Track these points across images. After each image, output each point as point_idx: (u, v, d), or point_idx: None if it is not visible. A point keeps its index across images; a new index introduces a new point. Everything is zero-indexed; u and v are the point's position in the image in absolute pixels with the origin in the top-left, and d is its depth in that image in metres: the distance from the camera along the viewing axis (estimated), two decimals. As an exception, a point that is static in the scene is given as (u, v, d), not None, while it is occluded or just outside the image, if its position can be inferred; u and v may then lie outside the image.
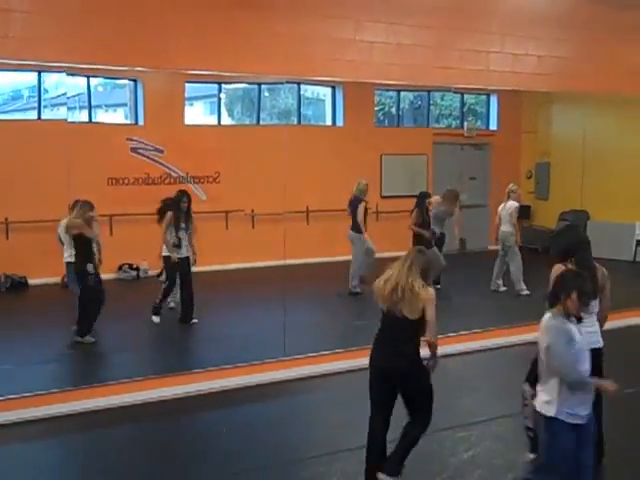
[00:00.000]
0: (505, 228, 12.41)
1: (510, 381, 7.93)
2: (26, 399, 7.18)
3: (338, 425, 6.91)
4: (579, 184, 15.11)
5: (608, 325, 10.20)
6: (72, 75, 12.56)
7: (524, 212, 17.90)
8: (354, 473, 5.72)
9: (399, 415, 5.48)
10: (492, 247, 12.77)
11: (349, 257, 12.98)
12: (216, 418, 7.27)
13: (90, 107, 14.03)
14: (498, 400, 7.49)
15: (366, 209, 12.50)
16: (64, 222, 9.37)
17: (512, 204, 12.52)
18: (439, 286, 12.46)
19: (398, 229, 14.52)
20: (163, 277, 10.44)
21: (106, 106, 15.59)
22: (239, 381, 7.95)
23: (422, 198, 12.41)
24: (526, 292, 11.93)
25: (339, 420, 7.01)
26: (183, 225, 10.27)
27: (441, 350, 8.58)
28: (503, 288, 12.46)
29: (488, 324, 10.04)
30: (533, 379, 5.62)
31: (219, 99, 15.67)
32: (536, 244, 17.21)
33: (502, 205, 12.67)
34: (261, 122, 15.90)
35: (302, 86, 16.08)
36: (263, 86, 15.65)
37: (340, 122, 16.43)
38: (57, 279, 11.62)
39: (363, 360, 8.56)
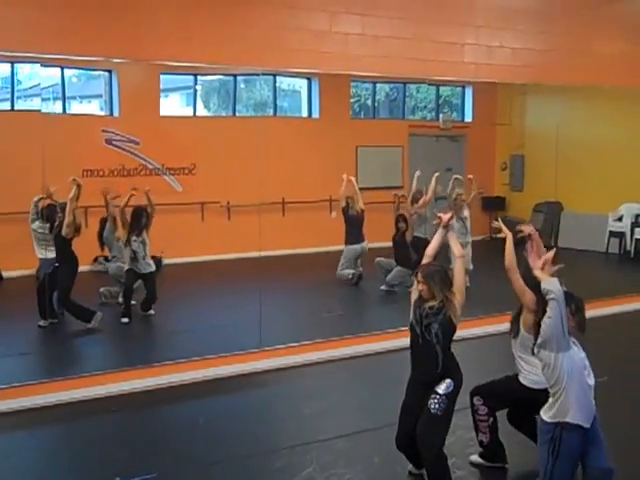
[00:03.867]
0: None
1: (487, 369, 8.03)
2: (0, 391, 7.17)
3: (312, 416, 6.94)
4: (553, 176, 15.22)
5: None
6: (46, 66, 12.49)
7: (499, 203, 18.05)
8: (328, 463, 5.76)
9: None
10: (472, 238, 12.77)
11: (325, 248, 13.06)
12: (191, 409, 7.28)
13: (64, 98, 13.93)
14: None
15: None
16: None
17: None
18: None
19: (373, 220, 14.56)
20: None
21: (81, 97, 15.49)
22: (214, 372, 7.97)
23: None
24: None
25: (313, 411, 7.04)
26: (135, 238, 10.27)
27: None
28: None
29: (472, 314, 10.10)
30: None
31: (195, 90, 15.62)
32: (511, 235, 17.32)
33: None
34: (237, 113, 15.86)
35: (278, 78, 16.05)
36: (239, 78, 15.62)
37: (316, 114, 16.42)
38: (32, 271, 11.55)
39: (336, 351, 8.70)
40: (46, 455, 6.23)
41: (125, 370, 7.79)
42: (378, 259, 12.37)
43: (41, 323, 9.62)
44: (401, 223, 12.26)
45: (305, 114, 16.68)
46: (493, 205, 18.00)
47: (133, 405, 7.29)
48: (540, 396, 5.02)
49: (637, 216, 15.53)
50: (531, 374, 5.54)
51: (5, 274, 12.70)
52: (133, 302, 10.44)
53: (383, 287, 12.06)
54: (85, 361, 8.94)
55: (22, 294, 10.45)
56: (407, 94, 17.83)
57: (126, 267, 10.34)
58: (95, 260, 13.18)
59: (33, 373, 7.61)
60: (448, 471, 5.16)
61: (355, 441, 6.20)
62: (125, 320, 9.96)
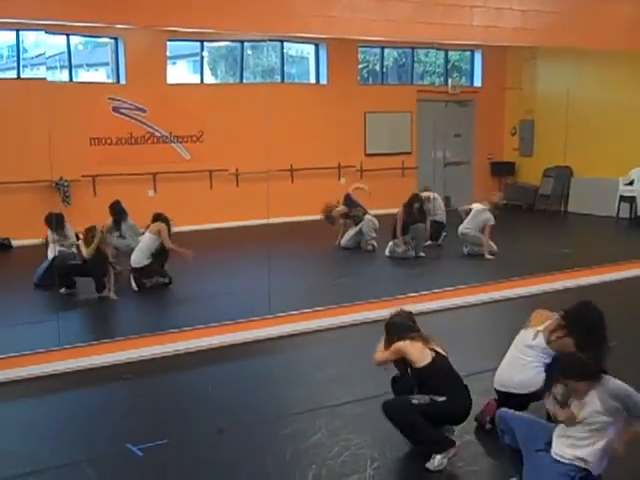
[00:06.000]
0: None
1: (492, 336, 8.04)
2: (11, 359, 7.19)
3: (321, 382, 6.94)
4: (563, 140, 15.13)
5: (593, 280, 10.38)
6: (52, 33, 12.44)
7: (508, 169, 17.98)
8: (337, 428, 5.77)
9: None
10: (475, 204, 12.72)
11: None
12: (201, 376, 7.29)
13: (70, 66, 13.89)
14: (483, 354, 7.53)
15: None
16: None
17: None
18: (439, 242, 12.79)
19: (382, 187, 14.57)
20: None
21: (87, 65, 15.45)
22: (223, 339, 7.96)
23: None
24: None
25: (322, 377, 7.04)
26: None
27: (428, 306, 8.82)
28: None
29: (473, 280, 10.11)
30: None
31: (202, 57, 15.53)
32: (520, 201, 17.29)
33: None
34: (244, 80, 15.78)
35: (285, 44, 15.97)
36: (246, 44, 15.53)
37: (324, 80, 16.35)
38: (41, 240, 11.59)
39: (346, 317, 8.69)
40: (57, 423, 6.25)
41: (135, 338, 7.80)
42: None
43: (62, 290, 9.79)
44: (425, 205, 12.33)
45: (313, 80, 16.60)
46: (502, 170, 17.96)
47: (143, 372, 7.30)
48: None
49: (648, 180, 15.45)
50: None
51: (14, 243, 12.76)
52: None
53: (387, 254, 12.06)
54: (95, 329, 8.96)
55: (32, 263, 10.47)
56: (415, 59, 17.71)
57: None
58: (104, 229, 13.20)
59: (43, 341, 7.61)
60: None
61: (364, 407, 6.20)
62: (135, 288, 10.02)
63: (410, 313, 5.71)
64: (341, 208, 12.82)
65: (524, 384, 5.57)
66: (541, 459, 4.53)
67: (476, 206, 12.10)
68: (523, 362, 5.61)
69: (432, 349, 5.35)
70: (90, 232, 9.83)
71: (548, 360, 5.54)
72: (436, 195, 12.98)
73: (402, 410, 5.22)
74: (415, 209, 12.15)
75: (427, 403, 5.18)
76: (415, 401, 5.20)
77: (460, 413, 5.33)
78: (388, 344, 5.48)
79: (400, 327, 5.51)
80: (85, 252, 9.75)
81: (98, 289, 9.71)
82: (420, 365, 5.29)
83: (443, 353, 5.40)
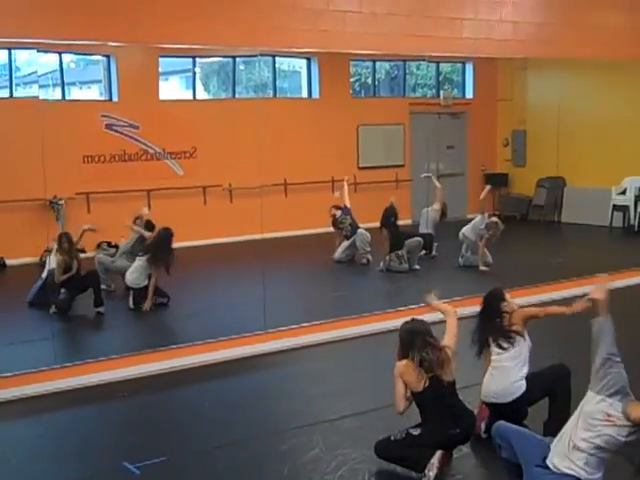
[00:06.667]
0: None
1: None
2: (7, 379, 7.16)
3: (318, 396, 6.93)
4: (555, 150, 15.16)
5: (588, 289, 10.34)
6: (44, 52, 12.45)
7: (501, 180, 17.99)
8: (335, 443, 5.76)
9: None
10: (470, 216, 12.78)
11: (327, 229, 13.09)
12: (197, 392, 7.28)
13: (63, 84, 13.89)
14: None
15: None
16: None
17: None
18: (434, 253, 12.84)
19: (376, 200, 14.53)
20: None
21: (80, 83, 15.45)
22: (219, 355, 7.95)
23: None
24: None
25: (319, 392, 7.04)
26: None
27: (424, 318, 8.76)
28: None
29: (469, 292, 10.08)
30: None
31: (194, 73, 15.55)
32: (514, 212, 17.30)
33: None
34: (237, 95, 15.79)
35: (277, 59, 15.99)
36: (238, 59, 15.54)
37: (316, 94, 16.36)
38: (36, 259, 11.57)
39: (342, 331, 8.68)
40: (53, 441, 6.23)
41: (130, 355, 7.78)
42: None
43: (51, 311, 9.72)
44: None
45: (305, 94, 16.61)
46: (496, 181, 17.90)
47: (139, 390, 7.29)
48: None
49: (640, 189, 15.49)
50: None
51: (8, 262, 12.72)
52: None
53: (381, 268, 12.05)
54: (91, 347, 8.93)
55: (26, 282, 10.45)
56: (407, 72, 17.74)
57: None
58: (99, 246, 13.17)
59: (39, 360, 7.59)
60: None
61: (362, 421, 6.20)
62: (132, 306, 9.99)
63: (423, 321, 5.67)
64: (335, 211, 12.95)
65: (504, 392, 5.64)
66: (540, 473, 4.53)
67: (479, 217, 12.15)
68: (501, 370, 5.70)
69: (429, 374, 5.28)
70: (60, 239, 9.80)
71: (524, 365, 5.72)
72: (428, 209, 13.02)
73: (385, 447, 5.32)
74: (392, 221, 12.25)
75: (403, 437, 5.25)
76: (392, 437, 5.29)
77: (441, 444, 5.20)
78: (400, 357, 5.44)
79: (413, 335, 5.45)
80: (57, 277, 9.70)
81: (96, 303, 9.67)
82: (415, 391, 5.30)
83: (445, 378, 5.31)
